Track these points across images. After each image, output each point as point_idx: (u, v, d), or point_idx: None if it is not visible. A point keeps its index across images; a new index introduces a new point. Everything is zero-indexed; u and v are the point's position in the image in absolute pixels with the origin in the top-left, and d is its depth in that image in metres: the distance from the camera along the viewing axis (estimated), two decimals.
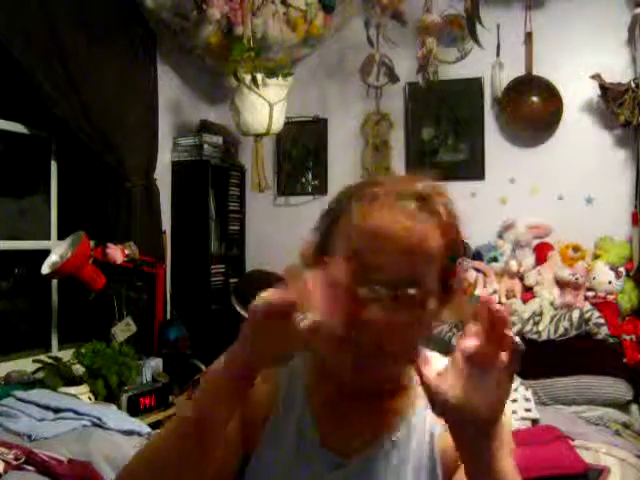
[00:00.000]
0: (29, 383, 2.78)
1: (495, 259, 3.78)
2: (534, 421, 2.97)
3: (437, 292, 0.88)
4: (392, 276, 0.83)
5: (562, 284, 3.59)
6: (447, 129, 4.06)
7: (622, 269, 3.56)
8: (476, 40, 3.47)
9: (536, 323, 3.46)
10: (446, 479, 0.93)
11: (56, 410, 2.47)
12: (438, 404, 0.75)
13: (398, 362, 0.89)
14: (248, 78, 3.21)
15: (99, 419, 2.43)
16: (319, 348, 0.89)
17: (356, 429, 0.95)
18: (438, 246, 0.87)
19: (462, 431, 0.76)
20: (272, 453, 0.94)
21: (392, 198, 0.87)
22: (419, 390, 0.94)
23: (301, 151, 4.31)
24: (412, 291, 0.84)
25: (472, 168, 3.98)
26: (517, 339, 0.72)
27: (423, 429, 0.95)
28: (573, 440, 2.70)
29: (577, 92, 3.76)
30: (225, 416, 0.82)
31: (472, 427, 0.74)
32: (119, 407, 2.85)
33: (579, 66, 3.72)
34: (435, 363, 0.95)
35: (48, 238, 3.36)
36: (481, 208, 3.94)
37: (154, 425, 2.80)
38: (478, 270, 3.76)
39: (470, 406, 0.73)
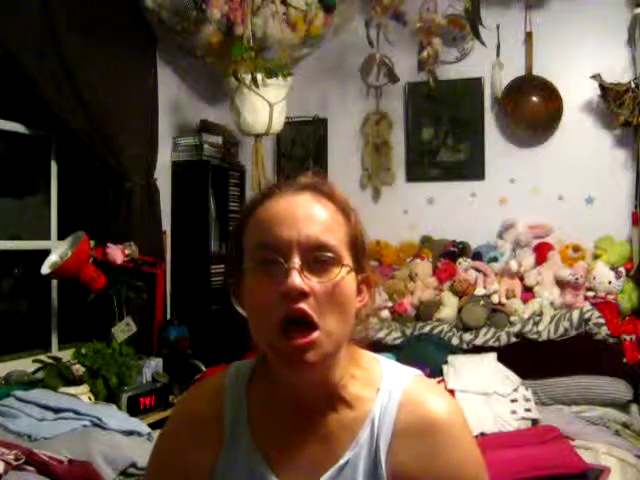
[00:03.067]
0: (29, 383, 2.78)
1: (495, 259, 3.78)
2: (534, 421, 2.97)
3: (350, 264, 0.91)
4: (298, 245, 0.87)
5: (562, 284, 3.58)
6: (447, 129, 4.06)
7: (622, 269, 3.55)
8: (479, 39, 3.46)
9: (536, 323, 3.45)
10: None
11: (56, 410, 2.47)
12: None
13: (331, 339, 0.88)
14: (248, 78, 3.21)
15: (99, 419, 2.43)
16: (264, 351, 0.92)
17: (305, 455, 0.93)
18: (335, 218, 0.92)
19: None
20: None
21: (286, 190, 0.93)
22: (367, 405, 0.94)
23: (301, 151, 4.31)
24: (321, 254, 0.88)
25: (472, 168, 3.98)
26: None
27: (370, 444, 0.92)
28: (573, 440, 2.70)
29: (577, 92, 3.76)
30: None
31: None
32: (119, 407, 2.85)
33: (579, 66, 3.72)
34: (394, 384, 0.95)
35: (48, 238, 3.36)
36: (481, 208, 3.94)
37: (154, 425, 2.80)
38: (478, 270, 3.77)
39: None
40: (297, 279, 0.85)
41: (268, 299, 0.87)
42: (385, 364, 0.99)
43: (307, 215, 0.90)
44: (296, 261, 0.86)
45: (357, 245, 0.93)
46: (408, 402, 0.93)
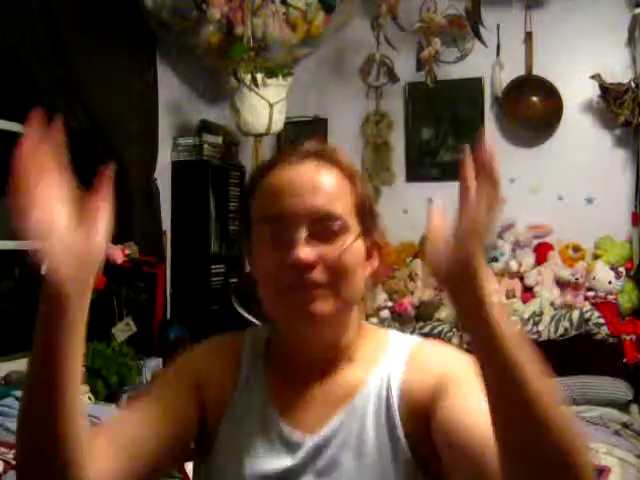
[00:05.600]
0: None
1: (495, 259, 3.78)
2: None
3: (357, 231, 0.90)
4: (305, 216, 0.87)
5: (562, 284, 3.59)
6: (447, 129, 4.06)
7: (622, 269, 3.56)
8: (480, 39, 3.46)
9: (536, 323, 3.45)
10: (414, 430, 0.88)
11: None
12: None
13: (340, 298, 0.89)
14: (248, 78, 3.21)
15: (99, 419, 2.43)
16: (273, 314, 0.93)
17: (312, 405, 0.94)
18: (341, 185, 0.91)
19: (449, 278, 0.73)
20: (236, 431, 0.94)
21: (290, 159, 0.93)
22: (372, 356, 0.95)
23: None
24: (327, 223, 0.88)
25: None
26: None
27: (379, 390, 0.92)
28: None
29: (577, 92, 3.76)
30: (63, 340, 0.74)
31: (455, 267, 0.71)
32: (119, 407, 2.85)
33: (579, 66, 3.72)
34: (403, 341, 0.97)
35: None
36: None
37: None
38: None
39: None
40: (302, 252, 0.86)
41: (277, 269, 0.88)
42: (392, 332, 1.01)
43: (312, 184, 0.89)
44: (302, 232, 0.87)
45: (364, 210, 0.93)
46: (417, 351, 0.94)
